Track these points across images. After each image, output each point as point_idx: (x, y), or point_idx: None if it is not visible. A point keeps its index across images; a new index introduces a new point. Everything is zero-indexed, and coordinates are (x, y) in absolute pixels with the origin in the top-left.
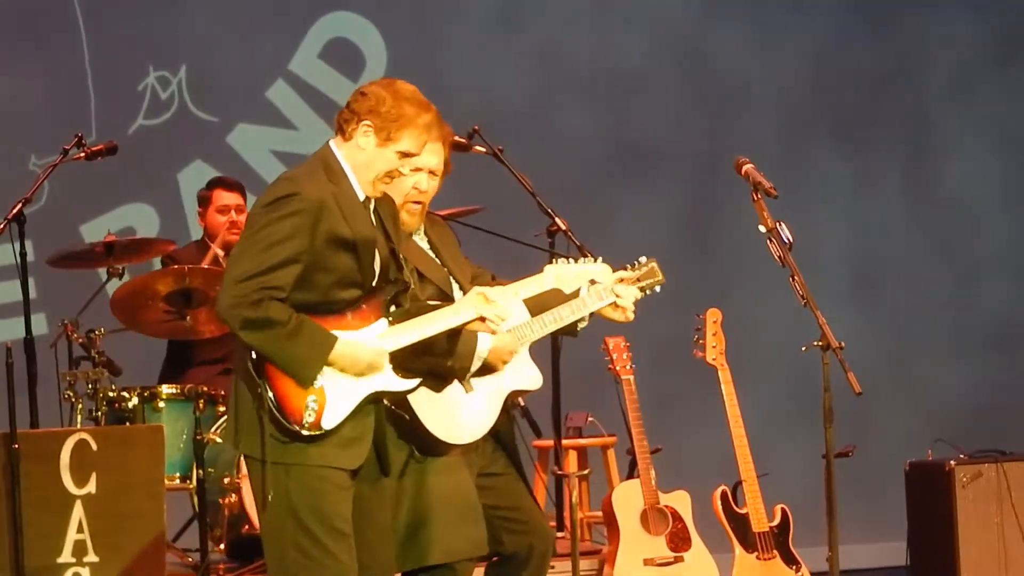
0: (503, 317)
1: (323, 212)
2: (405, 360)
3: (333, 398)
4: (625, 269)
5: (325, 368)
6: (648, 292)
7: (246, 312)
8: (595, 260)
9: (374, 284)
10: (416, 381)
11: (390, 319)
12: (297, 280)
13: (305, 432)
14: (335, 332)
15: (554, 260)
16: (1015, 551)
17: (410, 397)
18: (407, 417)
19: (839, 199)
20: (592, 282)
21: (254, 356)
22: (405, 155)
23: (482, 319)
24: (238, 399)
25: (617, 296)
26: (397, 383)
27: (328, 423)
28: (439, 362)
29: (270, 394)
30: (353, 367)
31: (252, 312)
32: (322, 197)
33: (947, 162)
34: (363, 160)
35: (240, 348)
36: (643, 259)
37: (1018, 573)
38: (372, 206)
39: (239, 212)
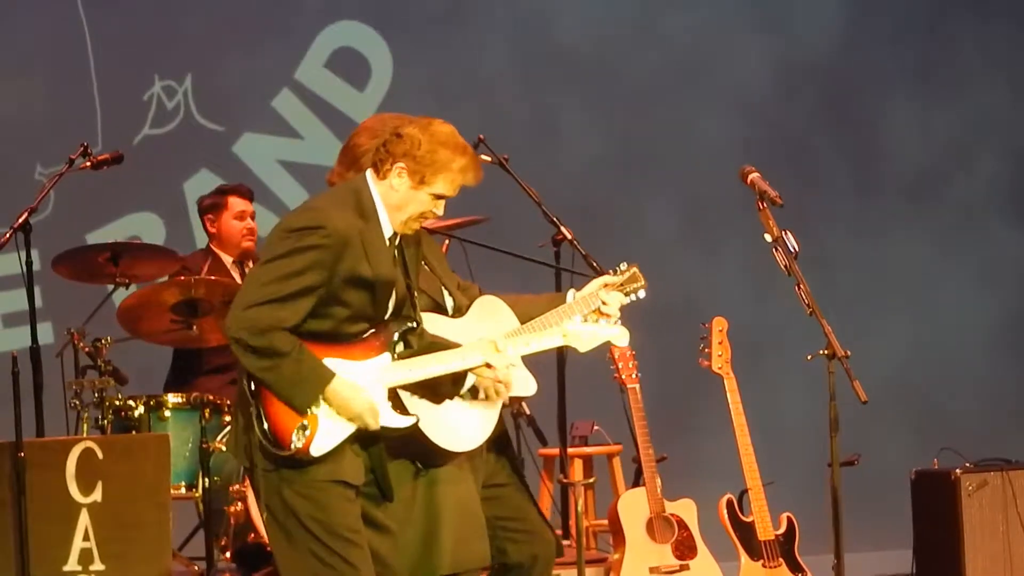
0: (510, 366)
1: (346, 249)
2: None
3: (325, 427)
4: (608, 274)
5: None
6: (632, 297)
7: (252, 340)
8: (600, 271)
9: (385, 319)
10: (412, 419)
11: (395, 356)
12: (311, 310)
13: (289, 457)
14: (337, 362)
15: (570, 315)
16: (1020, 560)
17: (409, 406)
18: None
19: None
20: (578, 289)
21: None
22: (439, 197)
23: (488, 366)
24: (237, 412)
25: (603, 303)
26: (393, 419)
27: (316, 451)
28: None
29: (263, 417)
30: (344, 411)
31: (257, 340)
32: (348, 234)
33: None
34: (395, 200)
35: (242, 365)
36: (624, 265)
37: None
38: (397, 242)
39: (252, 218)
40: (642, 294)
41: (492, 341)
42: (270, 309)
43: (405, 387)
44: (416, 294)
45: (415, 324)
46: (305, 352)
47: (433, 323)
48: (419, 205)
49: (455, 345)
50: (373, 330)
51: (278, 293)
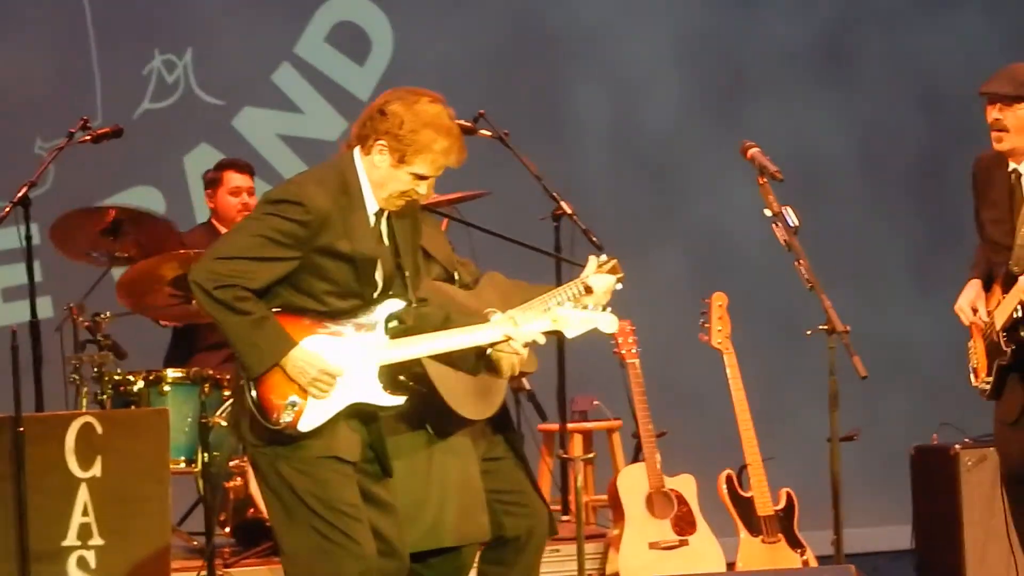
0: (528, 344)
1: (324, 227)
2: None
3: (315, 402)
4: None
5: None
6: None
7: (214, 290)
8: (600, 249)
9: (375, 296)
10: (402, 399)
11: (388, 334)
12: (290, 283)
13: (277, 431)
14: (324, 338)
15: (562, 300)
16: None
17: (429, 371)
18: (425, 391)
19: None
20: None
21: None
22: (420, 177)
23: (508, 338)
24: (235, 388)
25: (587, 289)
26: (382, 398)
27: (305, 426)
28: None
29: (252, 392)
30: (298, 378)
31: (221, 293)
32: (327, 211)
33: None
34: (377, 177)
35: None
36: (604, 256)
37: (1022, 557)
38: (385, 217)
39: (250, 194)
40: (619, 286)
41: (511, 316)
42: (237, 265)
43: (430, 355)
44: (412, 269)
45: (408, 302)
46: (269, 321)
47: (448, 293)
48: (399, 184)
49: (463, 322)
50: (366, 307)
51: (249, 252)
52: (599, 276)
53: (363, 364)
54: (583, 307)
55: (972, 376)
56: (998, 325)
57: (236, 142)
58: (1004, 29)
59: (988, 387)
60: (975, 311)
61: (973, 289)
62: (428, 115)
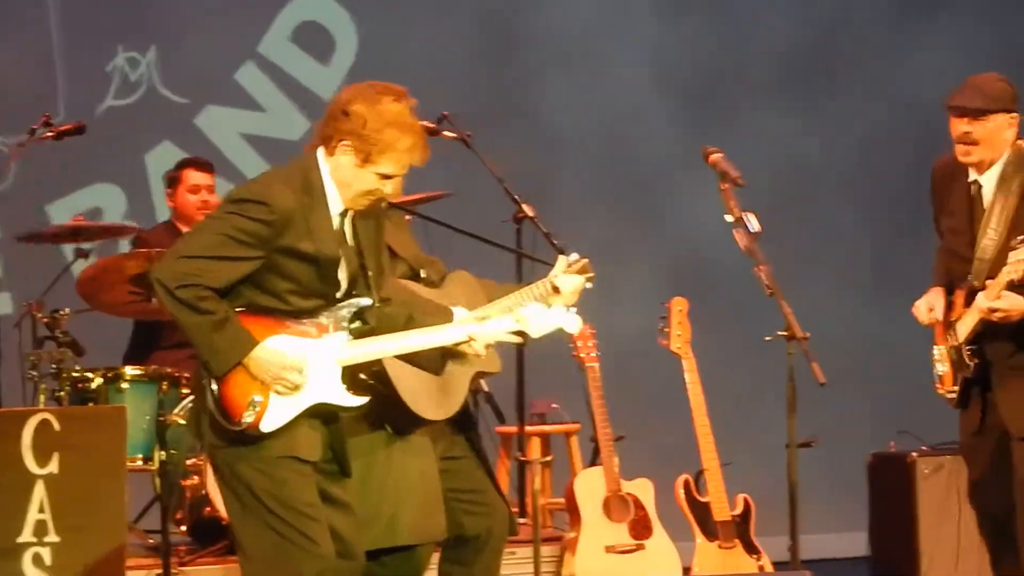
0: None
1: (287, 226)
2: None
3: (277, 402)
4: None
5: None
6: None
7: (176, 289)
8: (560, 250)
9: (339, 296)
10: (364, 400)
11: (351, 334)
12: (254, 282)
13: (240, 431)
14: (287, 338)
15: (530, 299)
16: (973, 542)
17: (389, 370)
18: (385, 391)
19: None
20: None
21: None
22: (386, 176)
23: (470, 339)
24: (194, 388)
25: (555, 288)
26: (344, 398)
27: (267, 426)
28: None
29: (214, 387)
30: (260, 375)
31: (184, 292)
32: (290, 210)
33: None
34: (342, 178)
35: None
36: (575, 255)
37: (976, 565)
38: (349, 218)
39: (210, 192)
40: (588, 285)
41: (476, 315)
42: (200, 265)
43: (397, 355)
44: (376, 269)
45: (372, 301)
46: (232, 321)
47: (413, 291)
48: (364, 184)
49: (427, 322)
50: (328, 309)
51: (212, 252)
52: (567, 276)
53: (326, 364)
54: (548, 306)
55: (938, 383)
56: (960, 338)
57: (199, 140)
58: (985, 41)
59: (954, 396)
60: (930, 310)
61: (932, 294)
62: (391, 114)
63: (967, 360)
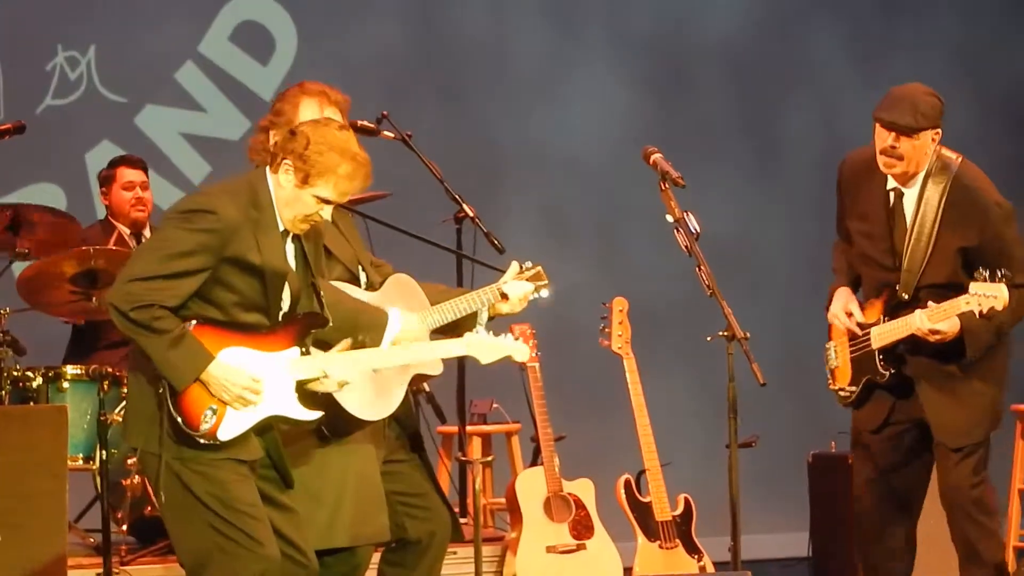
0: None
1: (235, 236)
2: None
3: (233, 412)
4: (516, 261)
5: None
6: (535, 295)
7: (132, 312)
8: (500, 249)
9: (280, 316)
10: (319, 414)
11: (303, 350)
12: (198, 294)
13: (199, 439)
14: (242, 350)
15: (475, 328)
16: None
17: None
18: (319, 393)
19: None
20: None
21: None
22: (323, 201)
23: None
24: (132, 392)
25: (503, 295)
26: (299, 412)
27: (224, 435)
28: (352, 335)
29: (173, 400)
30: (220, 393)
31: (138, 314)
32: (238, 221)
33: None
34: (283, 197)
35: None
36: (529, 263)
37: (916, 566)
38: (291, 236)
39: (144, 189)
40: (545, 293)
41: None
42: (152, 285)
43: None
44: (320, 278)
45: (324, 320)
46: (187, 338)
47: (346, 293)
48: (303, 207)
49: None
50: (275, 325)
51: (162, 271)
52: (516, 283)
53: (281, 377)
54: (494, 315)
55: (830, 379)
56: (875, 345)
57: (138, 140)
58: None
59: (851, 396)
60: (850, 315)
61: (844, 296)
62: (335, 139)
63: (880, 369)
